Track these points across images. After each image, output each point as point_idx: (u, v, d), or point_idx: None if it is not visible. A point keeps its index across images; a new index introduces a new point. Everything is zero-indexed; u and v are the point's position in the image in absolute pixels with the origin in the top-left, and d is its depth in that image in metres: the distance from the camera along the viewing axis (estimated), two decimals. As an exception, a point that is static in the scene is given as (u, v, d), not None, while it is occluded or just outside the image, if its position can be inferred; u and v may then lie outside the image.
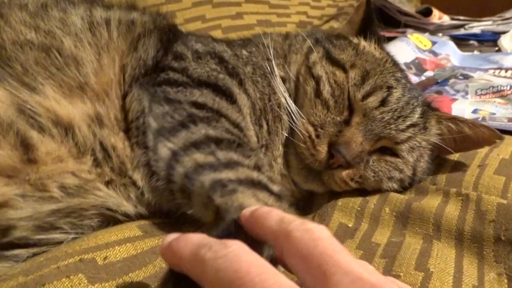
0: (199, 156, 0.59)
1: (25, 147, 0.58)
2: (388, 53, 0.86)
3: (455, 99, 1.30)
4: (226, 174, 0.55)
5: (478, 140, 0.80)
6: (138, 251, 0.56)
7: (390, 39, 1.76)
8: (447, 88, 1.40)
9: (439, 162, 0.85)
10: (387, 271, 0.57)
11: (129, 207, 0.66)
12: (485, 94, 1.33)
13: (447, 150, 0.80)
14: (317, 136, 0.72)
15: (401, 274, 0.56)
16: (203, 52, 0.78)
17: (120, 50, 0.70)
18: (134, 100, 0.67)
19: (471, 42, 1.87)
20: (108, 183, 0.64)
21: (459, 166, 0.83)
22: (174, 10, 1.28)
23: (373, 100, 0.75)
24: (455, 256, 0.60)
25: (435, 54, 1.69)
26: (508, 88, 1.29)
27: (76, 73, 0.65)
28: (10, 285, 0.47)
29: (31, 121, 0.60)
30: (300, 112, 0.76)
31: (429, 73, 1.58)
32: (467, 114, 1.21)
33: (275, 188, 0.58)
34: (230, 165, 0.58)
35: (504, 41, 1.78)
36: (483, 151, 0.86)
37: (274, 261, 0.41)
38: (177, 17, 1.27)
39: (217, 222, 0.51)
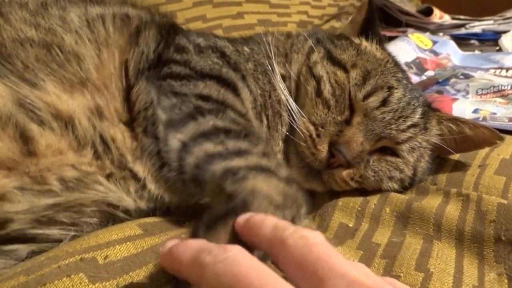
0: (208, 146, 0.59)
1: (25, 139, 0.58)
2: (389, 54, 0.87)
3: (456, 99, 1.30)
4: (236, 162, 0.56)
5: (479, 141, 0.80)
6: (139, 250, 0.56)
7: (391, 38, 1.76)
8: (448, 87, 1.40)
9: (440, 162, 0.85)
10: (387, 271, 0.57)
11: (129, 202, 0.66)
12: (486, 94, 1.33)
13: (448, 150, 0.80)
14: (318, 135, 0.73)
15: (401, 274, 0.56)
16: (205, 46, 0.79)
17: (118, 44, 0.70)
18: (141, 92, 0.68)
19: (472, 41, 1.86)
20: (108, 176, 0.64)
21: (460, 166, 0.83)
22: (175, 10, 1.28)
23: (374, 100, 0.75)
24: (455, 256, 0.61)
25: (436, 53, 1.69)
26: (509, 87, 1.29)
27: (77, 69, 0.65)
28: (11, 284, 0.47)
29: (30, 115, 0.60)
30: (301, 111, 0.76)
31: (430, 73, 1.58)
32: (468, 114, 1.21)
33: (284, 172, 0.59)
34: (239, 153, 0.58)
35: (505, 40, 1.78)
36: (483, 151, 0.86)
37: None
38: (178, 17, 1.27)
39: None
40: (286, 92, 0.78)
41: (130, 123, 0.68)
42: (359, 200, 0.75)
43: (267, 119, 0.77)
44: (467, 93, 1.35)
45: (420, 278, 0.55)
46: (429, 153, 0.80)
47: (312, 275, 0.34)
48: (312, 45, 0.83)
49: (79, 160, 0.62)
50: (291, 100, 0.77)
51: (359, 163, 0.73)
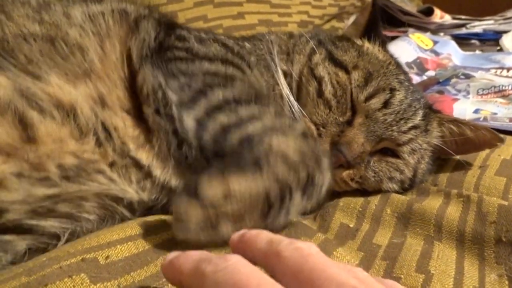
0: (222, 119, 0.61)
1: (24, 125, 0.58)
2: (392, 56, 0.87)
3: (456, 99, 1.30)
4: (251, 128, 0.58)
5: (480, 142, 0.80)
6: (140, 250, 0.56)
7: (392, 38, 1.76)
8: (448, 87, 1.40)
9: (440, 162, 0.85)
10: (388, 273, 0.57)
11: (132, 194, 0.65)
12: (487, 94, 1.33)
13: (448, 152, 0.80)
14: (319, 135, 0.73)
15: (402, 276, 0.56)
16: (206, 37, 0.80)
17: (118, 36, 0.71)
18: (148, 77, 0.68)
19: (473, 41, 1.86)
20: (111, 165, 0.64)
21: (460, 167, 0.83)
22: (176, 10, 1.29)
23: (375, 102, 0.75)
24: (456, 258, 0.61)
25: (436, 53, 1.69)
26: (510, 87, 1.29)
27: (81, 60, 0.66)
28: (13, 285, 0.47)
29: (31, 103, 0.60)
30: (303, 111, 0.76)
31: (431, 73, 1.57)
32: (469, 114, 1.21)
33: (300, 128, 0.62)
34: (253, 119, 0.60)
35: (506, 40, 1.78)
36: (484, 151, 0.86)
37: None
38: (178, 17, 1.28)
39: None
40: (287, 89, 0.78)
41: (131, 111, 0.68)
42: (360, 200, 0.75)
43: None
44: (468, 93, 1.35)
45: (421, 279, 0.55)
46: (430, 155, 0.81)
47: (309, 285, 0.34)
48: (314, 46, 0.83)
49: (80, 148, 0.62)
50: (292, 98, 0.78)
51: (360, 164, 0.74)
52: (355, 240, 0.66)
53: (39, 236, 0.60)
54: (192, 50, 0.74)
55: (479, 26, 1.95)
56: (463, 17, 2.11)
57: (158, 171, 0.66)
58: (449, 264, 0.59)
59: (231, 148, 0.58)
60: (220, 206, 0.51)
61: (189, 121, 0.63)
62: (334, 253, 0.60)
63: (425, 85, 1.43)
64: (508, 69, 1.52)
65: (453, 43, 1.76)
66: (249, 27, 1.38)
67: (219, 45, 0.78)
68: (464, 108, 1.23)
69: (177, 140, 0.65)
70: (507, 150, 0.86)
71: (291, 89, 0.80)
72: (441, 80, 1.48)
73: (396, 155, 0.77)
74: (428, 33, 1.88)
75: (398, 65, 0.86)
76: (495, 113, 1.19)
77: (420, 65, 1.60)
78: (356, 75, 0.77)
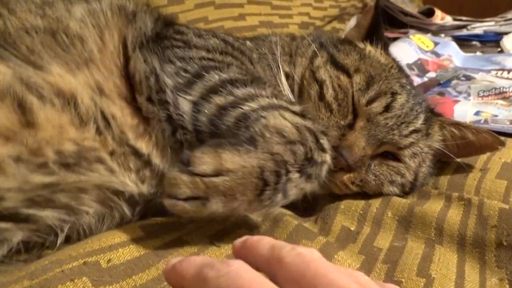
0: (218, 100, 0.61)
1: (23, 109, 0.58)
2: (394, 59, 0.87)
3: (457, 101, 1.30)
4: (248, 107, 0.59)
5: (481, 146, 0.81)
6: (141, 253, 0.57)
7: (393, 39, 1.76)
8: (449, 89, 1.40)
9: (441, 165, 0.85)
10: (389, 277, 0.57)
11: (132, 187, 0.65)
12: (488, 96, 1.32)
13: (450, 155, 0.80)
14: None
15: (403, 280, 0.56)
16: (204, 33, 0.80)
17: (117, 27, 0.72)
18: (139, 63, 0.69)
19: (474, 42, 1.86)
20: (111, 154, 0.64)
21: (461, 170, 0.83)
22: (177, 11, 1.29)
23: (377, 106, 0.75)
24: (457, 261, 0.61)
25: (437, 55, 1.69)
26: (510, 89, 1.29)
27: (81, 50, 0.66)
28: (15, 288, 0.47)
29: (31, 90, 0.60)
30: None
31: (431, 74, 1.57)
32: (469, 116, 1.21)
33: (297, 108, 0.61)
34: (249, 98, 0.61)
35: (506, 42, 1.78)
36: (485, 154, 0.86)
37: None
38: (179, 19, 1.27)
39: None
40: (288, 90, 0.78)
41: (129, 100, 0.68)
42: (361, 203, 0.75)
43: None
44: (469, 95, 1.35)
45: (422, 283, 0.55)
46: (431, 158, 0.81)
47: None
48: (316, 49, 0.83)
49: (81, 136, 0.62)
50: (293, 99, 0.78)
51: (361, 167, 0.74)
52: (356, 243, 0.66)
53: (36, 228, 0.59)
54: (190, 43, 0.74)
55: (479, 28, 1.95)
56: (464, 18, 2.11)
57: (157, 160, 0.67)
58: (450, 268, 0.59)
59: (228, 129, 0.58)
60: (211, 181, 0.51)
61: (185, 104, 0.63)
62: (335, 256, 0.60)
63: (426, 87, 1.43)
64: (509, 71, 1.52)
65: (453, 45, 1.76)
66: (250, 29, 1.39)
67: (218, 39, 0.79)
68: (465, 110, 1.23)
69: (171, 127, 0.65)
70: (508, 153, 0.86)
71: (292, 91, 0.80)
72: (441, 82, 1.48)
73: (397, 158, 0.77)
74: (429, 34, 1.88)
75: (400, 68, 0.86)
76: (496, 115, 1.19)
77: (420, 67, 1.60)
78: (357, 79, 0.77)
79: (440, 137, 0.83)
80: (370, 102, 0.75)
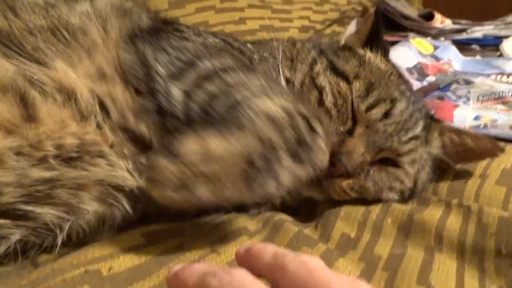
0: (211, 87, 0.61)
1: (25, 103, 0.58)
2: (394, 65, 0.87)
3: (457, 105, 1.30)
4: (240, 95, 0.58)
5: (480, 152, 0.81)
6: (142, 261, 0.57)
7: (392, 43, 1.76)
8: (449, 93, 1.40)
9: (441, 171, 0.86)
10: (389, 284, 0.58)
11: (132, 182, 0.65)
12: (487, 100, 1.33)
13: (449, 162, 0.80)
14: None
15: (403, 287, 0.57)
16: (204, 32, 0.81)
17: (116, 21, 0.72)
18: (128, 55, 0.68)
19: (473, 46, 1.87)
20: (111, 147, 0.64)
21: (461, 176, 0.84)
22: (177, 15, 1.29)
23: (376, 112, 0.75)
24: (456, 269, 0.61)
25: (437, 58, 1.69)
26: (510, 94, 1.30)
27: (84, 41, 0.67)
28: (17, 297, 0.48)
29: (34, 85, 0.61)
30: None
31: (431, 78, 1.58)
32: (469, 121, 1.21)
33: (290, 94, 0.62)
34: (241, 85, 0.60)
35: (506, 46, 1.79)
36: (484, 160, 0.86)
37: None
38: (180, 23, 1.28)
39: None
40: None
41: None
42: (361, 210, 0.75)
43: None
44: (468, 99, 1.35)
45: (422, 291, 0.56)
46: (430, 165, 0.81)
47: None
48: (315, 56, 0.83)
49: (82, 130, 0.62)
50: None
51: (360, 174, 0.74)
52: (356, 250, 0.66)
53: (34, 226, 0.59)
54: (188, 38, 0.74)
55: (479, 31, 1.95)
56: (463, 21, 2.11)
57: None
58: (450, 275, 0.59)
59: (220, 116, 0.56)
60: (195, 165, 0.49)
61: (177, 92, 0.62)
62: (336, 263, 0.61)
63: (425, 91, 1.44)
64: (508, 75, 1.52)
65: (453, 48, 1.76)
66: (250, 33, 1.39)
67: (217, 39, 0.79)
68: (464, 115, 1.23)
69: (160, 118, 0.65)
70: (508, 159, 0.86)
71: None
72: (441, 86, 1.48)
73: (396, 165, 0.77)
74: (429, 38, 1.88)
75: (400, 75, 0.86)
76: (495, 120, 1.19)
77: (420, 71, 1.61)
78: (357, 85, 0.77)
79: (440, 143, 0.83)
80: (369, 108, 0.76)
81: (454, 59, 1.71)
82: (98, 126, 0.64)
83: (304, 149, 0.55)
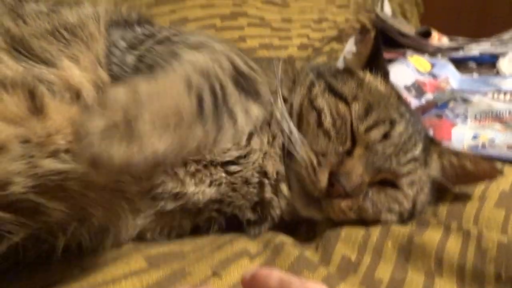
0: (159, 48, 0.65)
1: (33, 97, 0.58)
2: (393, 87, 0.88)
3: (455, 124, 1.31)
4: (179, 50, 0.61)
5: (479, 175, 0.82)
6: (144, 286, 0.57)
7: (390, 60, 1.77)
8: (447, 112, 1.41)
9: (440, 192, 0.86)
10: (391, 311, 0.58)
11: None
12: (484, 119, 1.34)
13: (448, 184, 0.81)
14: (319, 164, 0.74)
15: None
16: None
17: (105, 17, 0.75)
18: (104, 41, 0.70)
19: (470, 64, 1.88)
20: None
21: (460, 198, 0.84)
22: (179, 34, 1.31)
23: (376, 133, 0.76)
24: (457, 294, 0.61)
25: (434, 76, 1.71)
26: (507, 114, 1.31)
27: (82, 35, 0.68)
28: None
29: (43, 82, 0.61)
30: (303, 140, 0.77)
31: (429, 96, 1.59)
32: (467, 140, 1.22)
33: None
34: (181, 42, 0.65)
35: (502, 64, 1.81)
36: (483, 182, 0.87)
37: None
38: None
39: None
40: (286, 112, 0.79)
41: None
42: (361, 232, 0.75)
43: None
44: (466, 117, 1.36)
45: (423, 317, 0.56)
46: (429, 187, 0.82)
47: None
48: (313, 78, 0.84)
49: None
50: (292, 124, 0.78)
51: (358, 195, 0.75)
52: (357, 273, 0.67)
53: (39, 226, 0.58)
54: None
55: (476, 49, 1.97)
56: (460, 39, 2.13)
57: None
58: (450, 300, 0.59)
59: (160, 65, 0.58)
60: (130, 109, 0.42)
61: (130, 58, 0.65)
62: (337, 288, 0.61)
63: (424, 109, 1.45)
64: (505, 93, 1.54)
65: (450, 66, 1.78)
66: (250, 51, 1.40)
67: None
68: (462, 134, 1.24)
69: None
70: (506, 181, 0.87)
71: (291, 117, 0.80)
72: (439, 104, 1.49)
73: (395, 186, 0.78)
74: (426, 55, 1.90)
75: (399, 97, 0.87)
76: (493, 139, 1.20)
77: (418, 88, 1.62)
78: (356, 106, 0.78)
79: (439, 166, 0.84)
80: (368, 129, 0.76)
81: (451, 76, 1.72)
82: None
83: (246, 80, 0.56)
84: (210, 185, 0.71)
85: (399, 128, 0.78)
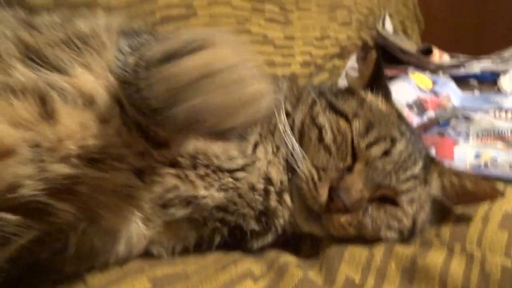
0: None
1: (44, 103, 0.59)
2: (394, 106, 0.89)
3: (457, 142, 1.32)
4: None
5: (480, 195, 0.82)
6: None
7: (391, 78, 1.79)
8: (449, 130, 1.42)
9: (443, 213, 0.86)
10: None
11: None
12: (486, 137, 1.34)
13: (448, 204, 0.81)
14: (319, 179, 0.75)
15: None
16: None
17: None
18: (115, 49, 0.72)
19: (471, 82, 1.90)
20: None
21: (463, 218, 0.84)
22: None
23: (376, 150, 0.77)
24: (461, 318, 0.61)
25: (436, 93, 1.72)
26: (509, 133, 1.31)
27: (94, 44, 0.69)
28: None
29: (54, 89, 0.61)
30: (304, 154, 0.78)
31: (431, 113, 1.60)
32: (469, 158, 1.22)
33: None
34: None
35: (503, 82, 1.82)
36: (486, 202, 0.87)
37: None
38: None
39: None
40: (288, 127, 0.80)
41: None
42: (364, 252, 0.75)
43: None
44: (468, 135, 1.37)
45: None
46: (430, 205, 0.82)
47: None
48: (315, 97, 0.85)
49: (106, 132, 0.62)
50: (293, 140, 0.79)
51: (358, 210, 0.75)
52: (361, 296, 0.66)
53: (44, 229, 0.58)
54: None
55: (477, 66, 1.99)
56: (461, 56, 2.15)
57: None
58: (455, 325, 0.59)
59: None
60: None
61: (131, 59, 0.65)
62: (341, 311, 0.61)
63: (426, 127, 1.46)
64: (506, 111, 1.55)
65: (452, 83, 1.79)
66: (253, 68, 1.41)
67: None
68: (464, 152, 1.25)
69: None
70: (509, 201, 0.86)
71: (293, 133, 0.81)
72: (440, 121, 1.50)
73: (395, 203, 0.78)
74: (427, 72, 1.92)
75: (400, 115, 0.88)
76: (495, 158, 1.20)
77: (420, 106, 1.63)
78: (356, 123, 0.79)
79: (439, 185, 0.84)
80: (369, 146, 0.77)
81: (452, 94, 1.74)
82: (118, 130, 0.64)
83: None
84: (218, 189, 0.71)
85: (400, 146, 0.79)
